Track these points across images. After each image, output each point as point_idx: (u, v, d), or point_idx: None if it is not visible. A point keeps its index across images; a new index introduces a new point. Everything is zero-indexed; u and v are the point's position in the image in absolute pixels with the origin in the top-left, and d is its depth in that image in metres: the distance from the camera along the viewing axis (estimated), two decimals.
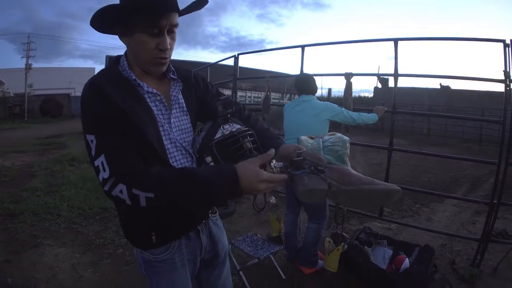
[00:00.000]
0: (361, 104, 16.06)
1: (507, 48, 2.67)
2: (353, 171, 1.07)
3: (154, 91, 1.09)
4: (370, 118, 2.91)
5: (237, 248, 2.78)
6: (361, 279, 2.70)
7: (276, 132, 1.85)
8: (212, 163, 1.06)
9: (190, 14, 1.13)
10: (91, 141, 0.96)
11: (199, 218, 1.25)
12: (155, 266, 1.17)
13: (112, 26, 1.04)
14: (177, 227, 1.17)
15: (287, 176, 1.00)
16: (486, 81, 2.95)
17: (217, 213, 1.37)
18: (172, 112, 1.14)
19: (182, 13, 1.08)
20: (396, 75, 3.13)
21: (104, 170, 0.93)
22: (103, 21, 1.02)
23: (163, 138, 1.08)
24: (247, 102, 14.55)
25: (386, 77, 18.29)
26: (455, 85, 18.22)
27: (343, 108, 2.84)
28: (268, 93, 4.03)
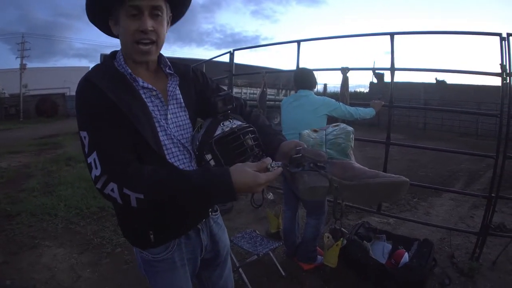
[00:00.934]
0: (357, 99, 16.06)
1: (503, 42, 2.67)
2: (356, 165, 1.03)
3: (150, 86, 1.07)
4: (368, 112, 2.91)
5: (236, 245, 2.78)
6: (361, 274, 2.71)
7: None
8: (211, 161, 1.04)
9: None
10: (84, 137, 0.95)
11: (199, 217, 1.23)
12: (155, 266, 1.16)
13: (104, 19, 1.04)
14: (175, 226, 1.15)
15: (281, 170, 0.97)
16: (483, 74, 2.96)
17: (218, 211, 1.35)
18: (169, 107, 1.12)
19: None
20: (392, 69, 3.13)
21: (96, 168, 0.92)
22: (93, 15, 1.02)
23: (159, 134, 1.06)
24: (242, 98, 14.38)
25: (382, 72, 18.34)
26: (451, 79, 18.30)
27: (340, 103, 2.84)
28: (264, 89, 4.02)
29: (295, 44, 3.78)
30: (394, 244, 2.97)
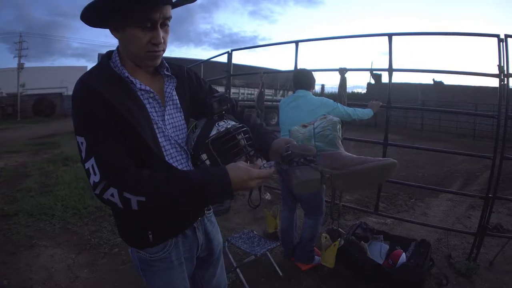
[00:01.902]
0: (355, 100, 16.09)
1: (501, 43, 2.68)
2: (344, 153, 1.06)
3: (147, 88, 1.07)
4: (365, 113, 2.92)
5: (233, 245, 2.78)
6: (358, 275, 2.71)
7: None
8: (207, 161, 1.05)
9: (182, 11, 1.11)
10: (82, 143, 0.94)
11: (195, 216, 1.24)
12: (152, 265, 1.16)
13: (104, 20, 0.99)
14: (174, 225, 1.16)
15: (274, 169, 1.00)
16: (481, 75, 2.97)
17: (211, 210, 1.36)
18: (166, 109, 1.12)
19: (175, 5, 1.04)
20: (390, 70, 3.13)
21: (95, 174, 0.92)
22: (94, 15, 0.98)
23: (158, 135, 1.06)
24: (240, 99, 14.48)
25: (379, 73, 18.35)
26: (448, 80, 18.34)
27: (338, 104, 2.84)
28: (262, 89, 4.02)
29: (293, 45, 3.78)
30: (391, 245, 2.98)
